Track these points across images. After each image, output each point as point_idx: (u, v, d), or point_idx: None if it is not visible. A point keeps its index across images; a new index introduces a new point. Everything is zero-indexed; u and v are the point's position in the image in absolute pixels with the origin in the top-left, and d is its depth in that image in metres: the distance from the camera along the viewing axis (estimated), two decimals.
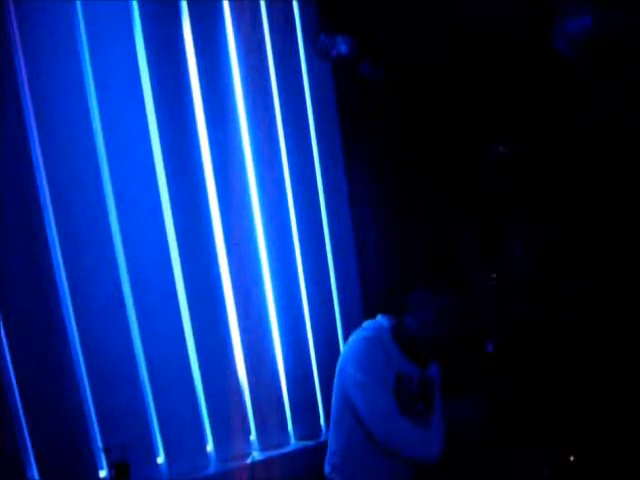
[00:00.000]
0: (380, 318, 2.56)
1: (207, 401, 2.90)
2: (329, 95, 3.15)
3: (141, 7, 2.71)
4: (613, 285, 3.00)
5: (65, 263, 2.61)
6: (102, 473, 2.67)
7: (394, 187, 3.24)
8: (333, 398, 2.57)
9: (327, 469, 2.57)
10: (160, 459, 2.85)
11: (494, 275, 3.24)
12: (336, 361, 2.74)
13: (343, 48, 2.98)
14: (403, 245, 3.23)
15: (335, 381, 2.56)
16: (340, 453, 2.53)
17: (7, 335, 2.50)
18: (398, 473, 2.48)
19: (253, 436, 3.03)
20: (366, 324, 2.58)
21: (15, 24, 2.47)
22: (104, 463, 2.59)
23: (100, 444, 2.66)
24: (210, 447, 2.94)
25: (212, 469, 2.89)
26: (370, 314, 3.13)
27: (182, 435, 2.83)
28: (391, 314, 2.56)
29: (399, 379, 2.42)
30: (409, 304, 2.49)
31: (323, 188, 3.17)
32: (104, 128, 2.65)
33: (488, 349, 3.20)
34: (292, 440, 3.10)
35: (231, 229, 2.91)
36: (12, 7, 2.46)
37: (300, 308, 3.10)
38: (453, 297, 2.43)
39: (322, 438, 3.11)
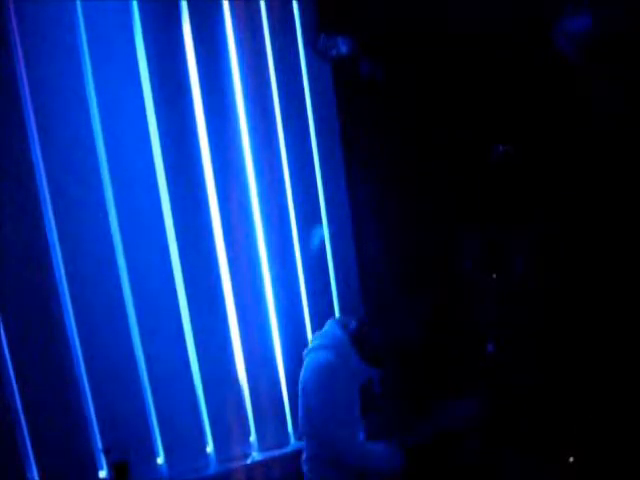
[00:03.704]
0: (333, 327, 2.61)
1: (207, 401, 2.90)
2: (329, 95, 3.14)
3: (141, 7, 2.70)
4: (614, 285, 3.00)
5: (65, 263, 2.61)
6: (102, 473, 2.67)
7: (394, 187, 3.23)
8: (300, 413, 2.62)
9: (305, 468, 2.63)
10: (160, 459, 2.85)
11: (494, 275, 3.23)
12: None
13: (343, 48, 2.98)
14: (404, 246, 3.23)
15: (299, 399, 2.60)
16: (313, 462, 2.60)
17: (7, 335, 2.51)
18: None
19: (253, 436, 3.03)
20: (322, 339, 2.61)
21: (15, 24, 2.47)
22: (104, 463, 2.59)
23: (100, 444, 2.66)
24: (210, 447, 2.94)
25: (212, 469, 2.90)
26: (370, 314, 3.14)
27: (182, 435, 2.84)
28: (346, 317, 2.64)
29: (363, 390, 2.50)
30: (369, 312, 2.61)
31: (323, 188, 3.17)
32: (104, 128, 2.65)
33: (488, 349, 3.19)
34: (292, 440, 3.09)
35: (231, 229, 2.91)
36: (12, 7, 2.46)
37: (300, 308, 3.10)
38: (411, 310, 2.55)
39: None
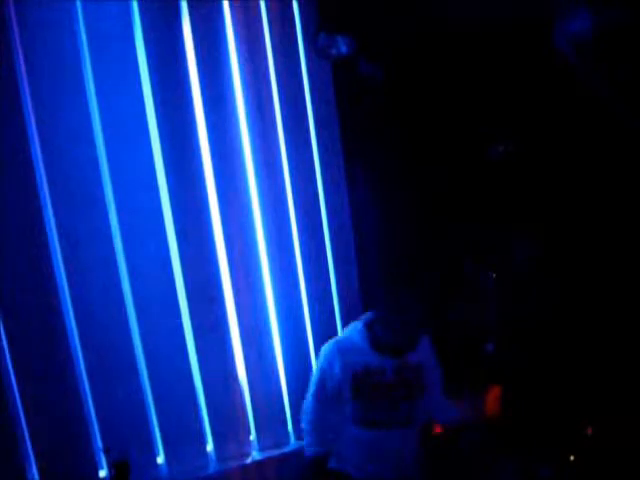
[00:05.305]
0: (362, 317, 2.68)
1: (207, 401, 2.90)
2: (329, 95, 3.14)
3: (141, 7, 2.70)
4: (613, 284, 3.00)
5: (65, 263, 2.61)
6: (102, 473, 2.67)
7: (394, 187, 3.23)
8: None
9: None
10: (160, 459, 2.85)
11: (494, 275, 3.23)
12: None
13: (343, 48, 2.98)
14: (403, 244, 3.23)
15: None
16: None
17: (7, 335, 2.51)
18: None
19: (253, 436, 3.03)
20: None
21: (15, 24, 2.47)
22: (104, 463, 2.59)
23: (100, 444, 2.66)
24: (210, 447, 2.95)
25: (212, 469, 2.90)
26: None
27: (182, 435, 2.84)
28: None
29: (363, 371, 2.55)
30: (374, 302, 2.65)
31: (323, 188, 3.17)
32: (104, 128, 2.65)
33: (488, 349, 3.20)
34: (292, 440, 3.10)
35: (231, 229, 2.92)
36: (12, 7, 2.46)
37: (300, 308, 3.10)
38: (405, 294, 2.58)
39: None
